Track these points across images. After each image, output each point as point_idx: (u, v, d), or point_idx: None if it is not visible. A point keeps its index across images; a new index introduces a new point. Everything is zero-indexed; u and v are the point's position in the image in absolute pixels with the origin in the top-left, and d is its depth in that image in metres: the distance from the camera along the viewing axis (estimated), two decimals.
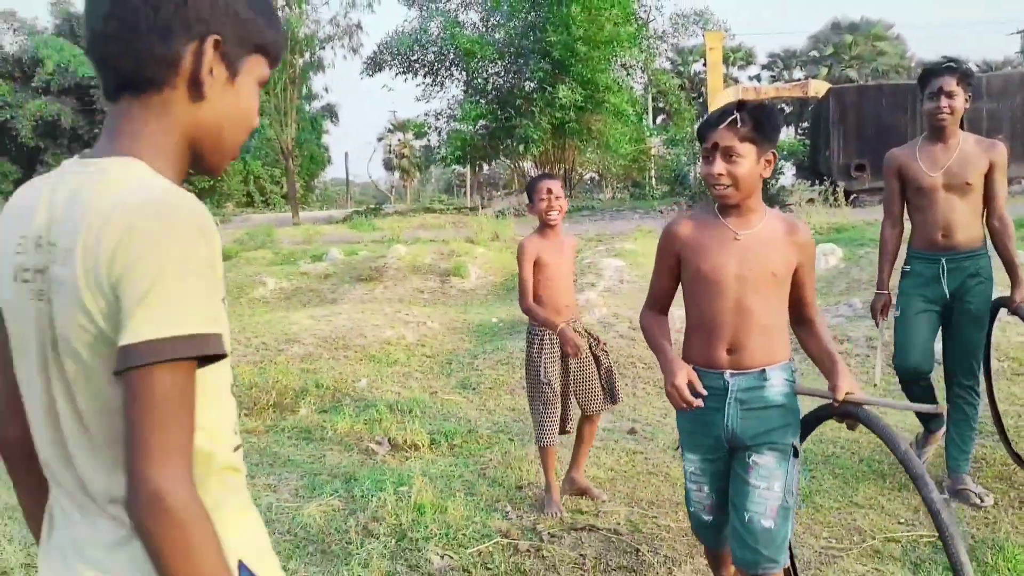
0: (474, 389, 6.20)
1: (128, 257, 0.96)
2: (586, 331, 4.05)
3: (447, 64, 25.50)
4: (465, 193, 39.09)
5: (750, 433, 2.35)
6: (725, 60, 36.86)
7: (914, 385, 3.91)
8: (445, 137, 26.58)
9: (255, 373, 6.38)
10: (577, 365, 3.94)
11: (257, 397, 5.96)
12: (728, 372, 2.36)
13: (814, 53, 46.43)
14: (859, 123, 16.50)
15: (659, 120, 37.11)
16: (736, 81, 38.00)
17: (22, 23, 38.96)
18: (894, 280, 4.04)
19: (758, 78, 45.60)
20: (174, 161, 1.12)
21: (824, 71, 42.81)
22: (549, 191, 3.86)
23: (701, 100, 32.54)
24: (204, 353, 0.98)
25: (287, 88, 27.13)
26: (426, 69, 25.74)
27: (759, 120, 2.26)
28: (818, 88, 21.00)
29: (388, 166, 49.31)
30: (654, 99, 33.51)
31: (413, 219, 19.62)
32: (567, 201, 3.97)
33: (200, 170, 1.19)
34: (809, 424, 2.47)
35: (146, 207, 0.98)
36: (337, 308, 8.68)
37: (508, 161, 28.11)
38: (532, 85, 23.72)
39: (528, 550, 3.49)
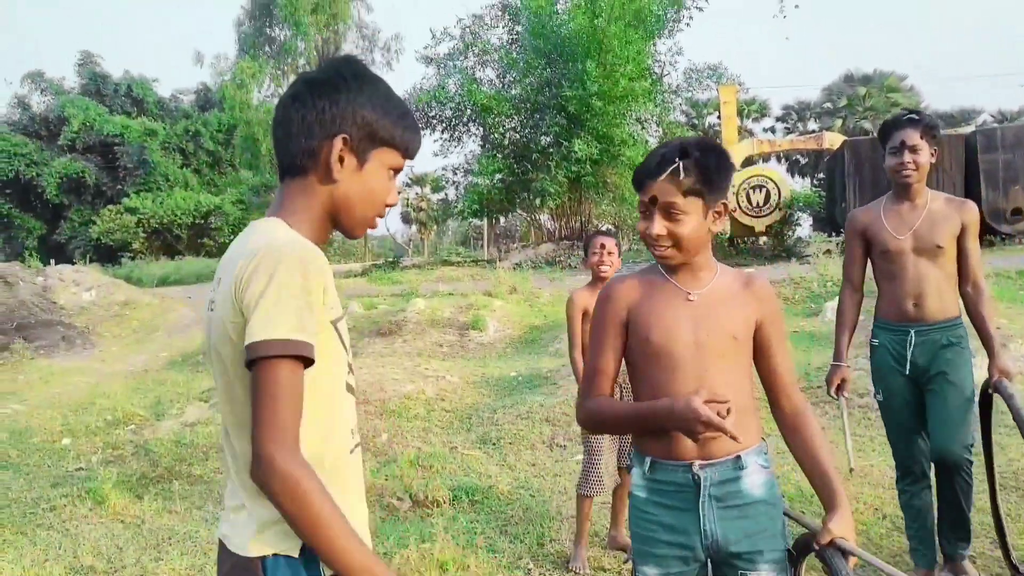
0: (494, 444, 6.21)
1: (244, 284, 1.31)
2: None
3: (464, 120, 25.87)
4: (482, 246, 39.31)
5: (734, 538, 1.92)
6: (739, 113, 37.22)
7: (955, 475, 3.37)
8: (463, 191, 26.86)
9: None
10: None
11: None
12: (697, 463, 1.91)
13: (828, 105, 46.76)
14: (874, 175, 16.54)
15: None
16: (751, 133, 38.34)
17: (49, 83, 39.96)
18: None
19: (772, 130, 45.93)
20: (312, 224, 1.49)
21: (839, 123, 43.06)
22: (602, 246, 4.02)
23: None
24: (288, 353, 1.27)
25: None
26: (444, 125, 26.11)
27: (706, 168, 1.88)
28: (833, 140, 21.15)
29: (406, 219, 49.75)
30: None
31: (431, 272, 19.77)
32: (619, 259, 4.08)
33: (341, 232, 1.56)
34: (791, 558, 2.00)
35: (265, 248, 1.34)
36: (357, 362, 8.73)
37: (525, 214, 28.32)
38: (548, 139, 23.99)
39: None
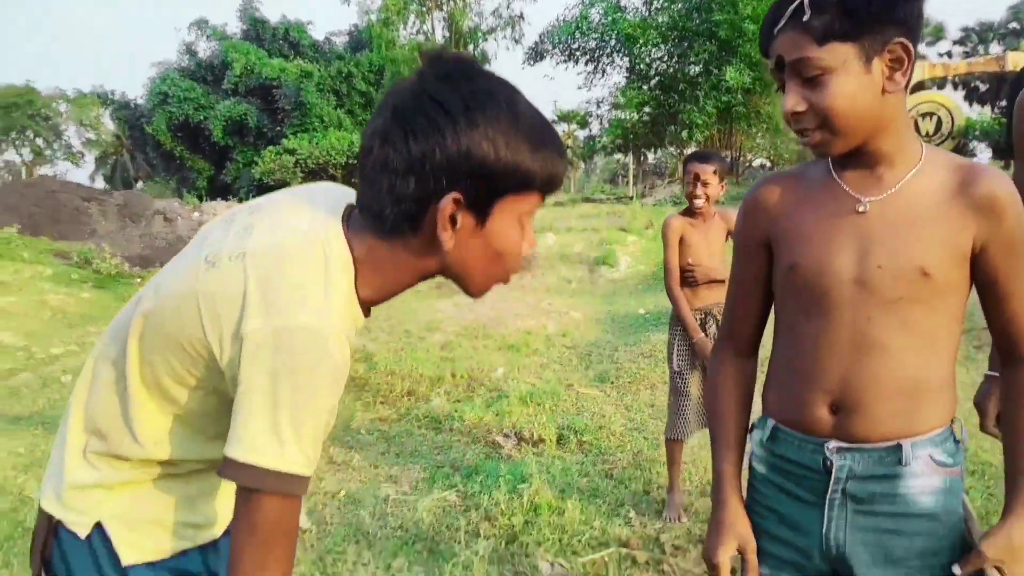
0: (612, 383, 5.89)
1: (254, 356, 1.01)
2: None
3: (608, 51, 25.03)
4: (627, 183, 38.52)
5: (868, 560, 1.34)
6: None
7: None
8: (606, 125, 26.20)
9: (393, 360, 6.35)
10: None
11: (393, 384, 5.92)
12: (832, 444, 1.35)
13: (1014, 25, 42.36)
14: None
15: None
16: (924, 58, 35.26)
17: (213, 29, 41.87)
18: None
19: (949, 54, 42.18)
20: (392, 285, 1.16)
21: None
22: (696, 176, 3.49)
23: None
24: (298, 493, 1.05)
25: None
26: (587, 56, 25.38)
27: None
28: (1017, 61, 18.93)
29: None
30: None
31: (572, 209, 19.41)
32: (720, 187, 3.53)
33: (459, 286, 1.19)
34: None
35: (290, 325, 1.02)
36: (482, 297, 8.61)
37: (672, 149, 27.35)
38: (697, 68, 22.90)
39: (647, 563, 3.16)
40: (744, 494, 1.49)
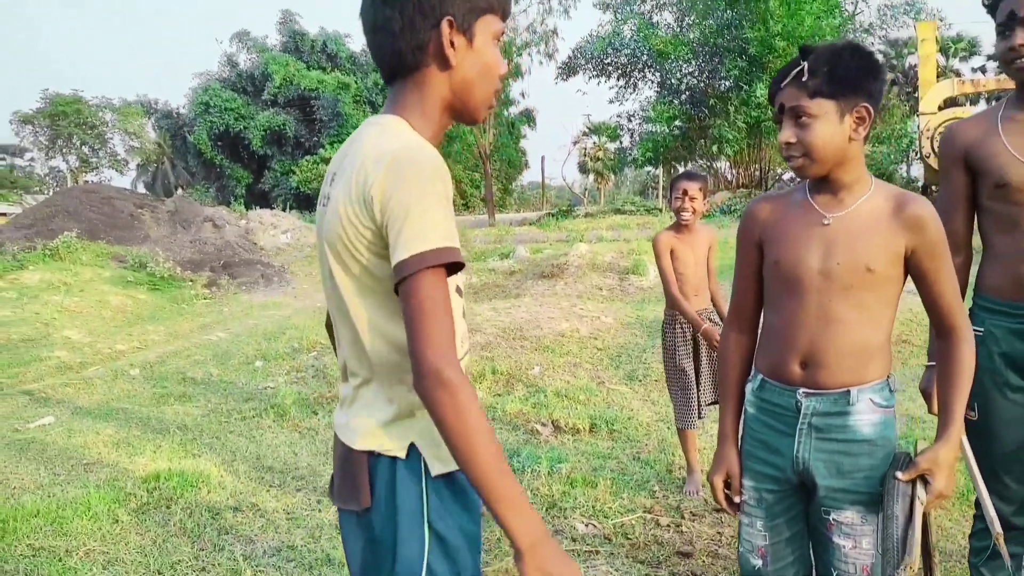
0: (640, 381, 6.38)
1: (387, 192, 1.28)
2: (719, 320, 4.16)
3: (640, 66, 25.58)
4: (657, 195, 38.88)
5: (825, 472, 1.87)
6: (944, 51, 34.33)
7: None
8: (637, 139, 26.66)
9: None
10: (707, 354, 4.06)
11: None
12: (801, 391, 1.88)
13: None
14: None
15: None
16: (958, 74, 35.24)
17: (254, 41, 42.88)
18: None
19: (983, 69, 41.93)
20: (432, 120, 1.45)
21: None
22: (685, 192, 3.96)
23: (916, 95, 30.50)
24: (451, 260, 1.28)
25: None
26: (619, 71, 25.95)
27: (834, 66, 1.75)
28: None
29: (583, 169, 49.83)
30: None
31: (602, 220, 19.90)
32: (704, 203, 4.02)
33: (463, 121, 1.51)
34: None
35: (401, 153, 1.30)
36: (518, 302, 9.12)
37: (702, 162, 27.75)
38: (727, 84, 23.36)
39: (668, 525, 3.66)
40: (741, 429, 2.06)
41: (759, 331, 2.05)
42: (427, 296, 1.25)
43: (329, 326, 1.64)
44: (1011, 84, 2.27)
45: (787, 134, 1.82)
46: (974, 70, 41.43)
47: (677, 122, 24.66)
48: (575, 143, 48.00)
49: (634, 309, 8.86)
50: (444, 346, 1.24)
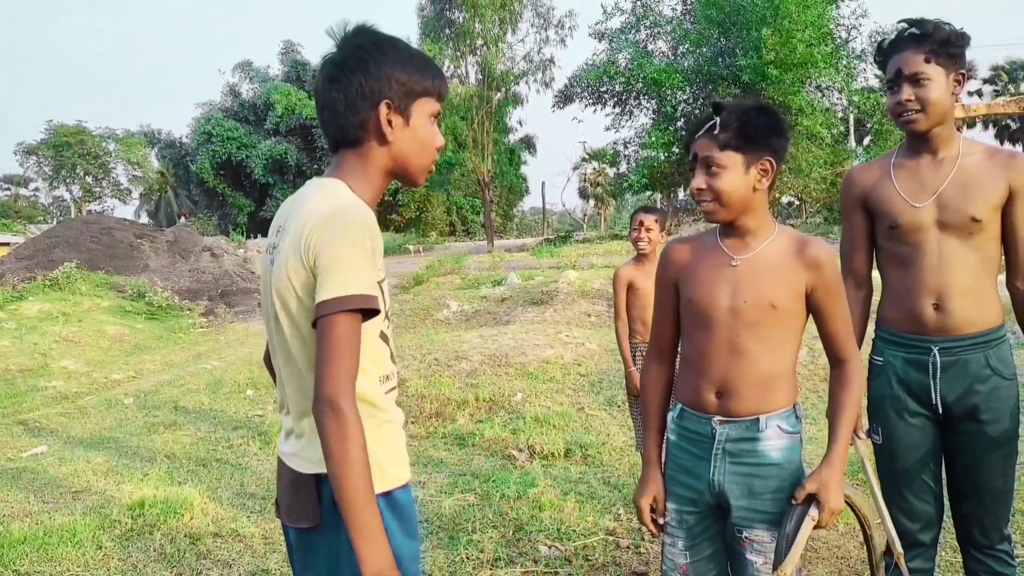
0: (619, 406, 6.52)
1: (320, 246, 1.47)
2: None
3: (635, 94, 25.91)
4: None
5: (738, 493, 2.02)
6: None
7: (914, 553, 2.46)
8: (634, 164, 26.93)
9: (424, 385, 7.04)
10: None
11: (422, 406, 6.60)
12: (716, 418, 2.03)
13: None
14: None
15: (866, 141, 35.47)
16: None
17: (256, 71, 43.39)
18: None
19: (979, 93, 42.31)
20: (371, 184, 1.65)
21: None
22: (641, 223, 4.15)
23: None
24: (366, 307, 1.46)
25: (484, 122, 28.57)
26: (615, 99, 26.26)
27: (744, 124, 1.93)
28: None
29: (583, 194, 50.20)
30: (859, 120, 32.17)
31: (599, 246, 20.11)
32: (661, 234, 4.19)
33: (406, 184, 1.73)
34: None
35: (338, 212, 1.51)
36: (506, 329, 9.28)
37: None
38: None
39: (628, 546, 3.80)
40: (663, 456, 2.21)
41: (677, 363, 2.21)
42: (339, 334, 1.43)
43: (268, 360, 1.81)
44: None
45: (699, 181, 1.98)
46: (969, 94, 41.75)
47: (674, 148, 24.92)
48: (575, 169, 48.46)
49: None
50: (344, 380, 1.42)
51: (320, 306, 1.44)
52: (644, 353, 4.17)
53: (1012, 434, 2.36)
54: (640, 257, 4.22)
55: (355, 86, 1.59)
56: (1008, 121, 42.25)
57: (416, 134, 1.66)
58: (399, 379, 7.33)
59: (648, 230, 4.14)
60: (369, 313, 1.48)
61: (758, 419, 2.00)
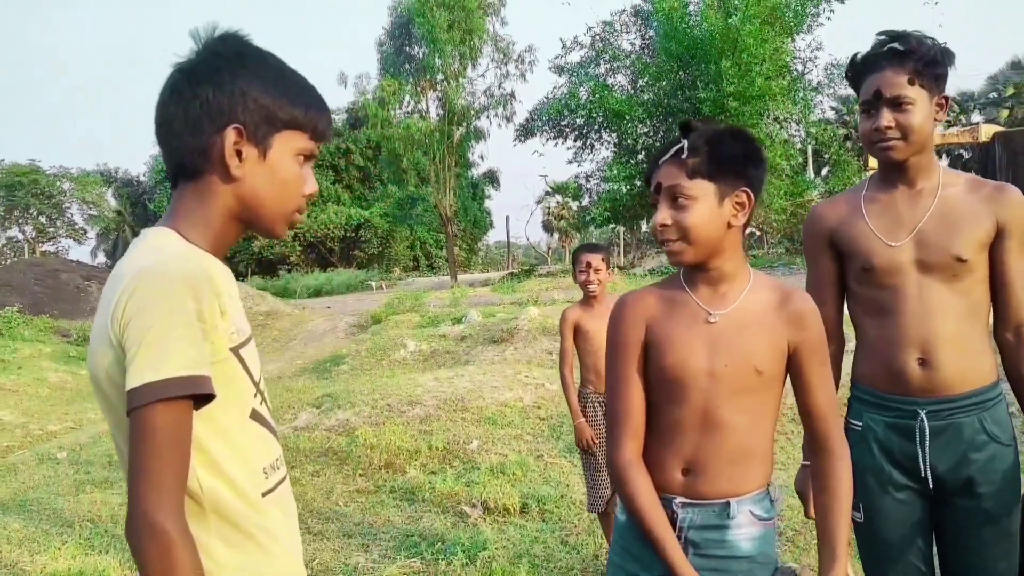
0: (578, 454, 6.19)
1: (128, 314, 1.13)
2: None
3: (596, 127, 25.90)
4: (619, 253, 39.13)
5: None
6: None
7: None
8: (596, 198, 26.90)
9: (373, 434, 6.65)
10: None
11: (372, 457, 6.21)
12: (679, 500, 1.69)
13: (993, 95, 43.51)
14: None
15: (824, 172, 35.88)
16: None
17: None
18: None
19: (949, 124, 43.13)
20: (212, 230, 1.29)
21: (1004, 113, 40.00)
22: (588, 264, 3.83)
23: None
24: (189, 392, 1.11)
25: (446, 157, 28.44)
26: (576, 133, 26.25)
27: (717, 147, 1.63)
28: (989, 132, 19.64)
29: (547, 227, 50.18)
30: (817, 151, 32.53)
31: (560, 280, 19.87)
32: (610, 273, 3.90)
33: (259, 233, 1.37)
34: None
35: (148, 271, 1.16)
36: (463, 370, 8.93)
37: None
38: None
39: None
40: (612, 541, 1.87)
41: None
42: (153, 431, 1.09)
43: None
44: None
45: (663, 215, 1.66)
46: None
47: (636, 180, 24.90)
48: (538, 202, 48.48)
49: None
50: (164, 490, 1.09)
51: (130, 395, 1.10)
52: (598, 405, 3.87)
53: (1013, 508, 2.03)
54: (589, 299, 3.91)
55: (200, 100, 1.24)
56: (961, 151, 43.08)
57: (275, 173, 1.30)
58: (348, 426, 6.95)
59: (596, 271, 3.82)
60: (203, 398, 1.14)
61: (728, 503, 1.67)
